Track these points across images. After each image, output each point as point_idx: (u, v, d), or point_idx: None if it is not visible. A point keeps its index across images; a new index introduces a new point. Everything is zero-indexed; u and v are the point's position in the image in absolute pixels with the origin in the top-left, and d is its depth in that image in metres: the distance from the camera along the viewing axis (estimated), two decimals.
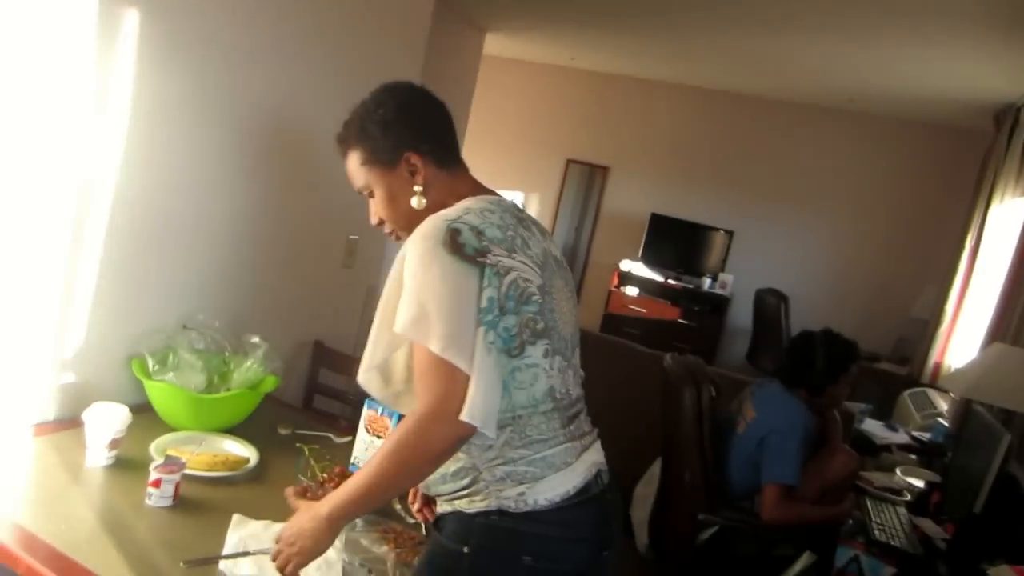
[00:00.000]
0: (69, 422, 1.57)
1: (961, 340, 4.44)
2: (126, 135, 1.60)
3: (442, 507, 1.15)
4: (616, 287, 6.15)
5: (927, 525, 2.30)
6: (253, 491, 1.49)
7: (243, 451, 1.60)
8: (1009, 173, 4.19)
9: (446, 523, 1.12)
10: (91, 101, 1.52)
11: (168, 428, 1.65)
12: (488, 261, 1.04)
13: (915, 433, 3.56)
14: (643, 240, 6.25)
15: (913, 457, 3.18)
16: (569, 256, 6.83)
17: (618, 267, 6.21)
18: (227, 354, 1.85)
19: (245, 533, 1.28)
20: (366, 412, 1.64)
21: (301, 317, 2.30)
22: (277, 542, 1.08)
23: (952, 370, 4.44)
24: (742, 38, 4.42)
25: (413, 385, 1.07)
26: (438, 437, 1.00)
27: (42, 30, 1.41)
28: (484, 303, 1.03)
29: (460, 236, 1.04)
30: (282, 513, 1.21)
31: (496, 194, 1.22)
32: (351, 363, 2.32)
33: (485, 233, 1.06)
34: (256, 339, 1.82)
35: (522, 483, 1.06)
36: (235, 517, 1.33)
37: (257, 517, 1.34)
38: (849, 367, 2.32)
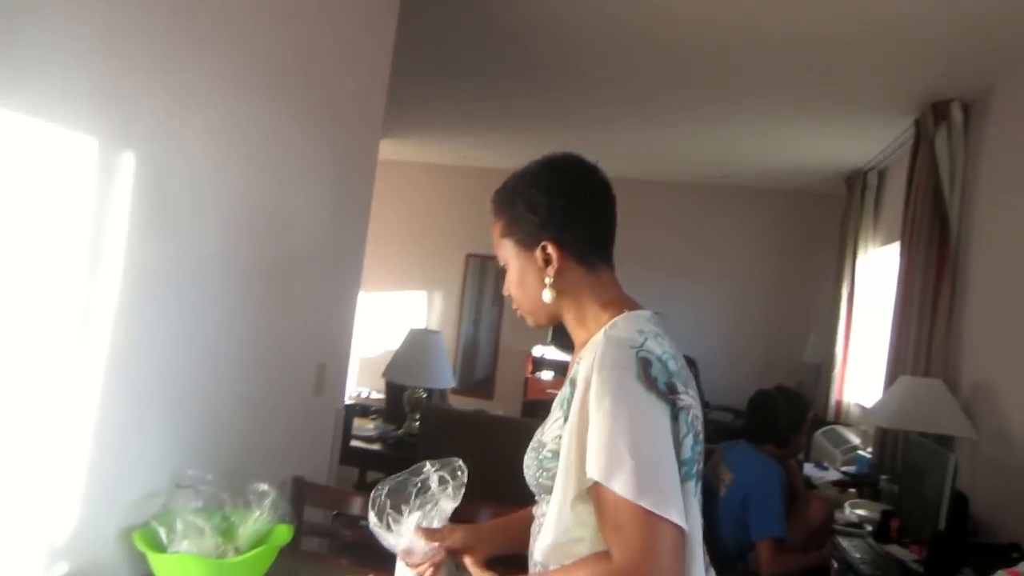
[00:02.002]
0: None
1: (855, 378, 4.89)
2: (119, 294, 1.53)
3: None
4: (531, 373, 6.25)
5: (895, 551, 2.49)
6: None
7: None
8: (866, 228, 4.78)
9: None
10: (84, 257, 1.45)
11: None
12: (680, 402, 0.97)
13: (843, 468, 3.84)
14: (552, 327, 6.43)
15: (852, 491, 3.42)
16: (473, 347, 6.90)
17: (531, 353, 6.33)
18: (227, 509, 1.73)
19: None
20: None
21: (277, 453, 2.19)
22: None
23: (852, 406, 4.87)
24: (627, 131, 4.83)
25: (593, 531, 0.98)
26: None
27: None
28: (687, 453, 0.97)
29: (651, 369, 0.96)
30: None
31: (642, 307, 1.11)
32: (336, 496, 2.23)
33: (668, 365, 0.98)
34: (264, 486, 1.71)
35: None
36: None
37: None
38: (806, 416, 2.52)
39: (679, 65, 3.48)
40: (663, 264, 6.33)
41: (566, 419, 1.02)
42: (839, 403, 4.94)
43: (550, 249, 1.10)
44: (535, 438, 1.12)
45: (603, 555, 0.95)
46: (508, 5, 2.94)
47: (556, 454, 1.03)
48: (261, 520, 1.68)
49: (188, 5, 1.61)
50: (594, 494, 0.95)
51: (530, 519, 1.19)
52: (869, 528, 2.73)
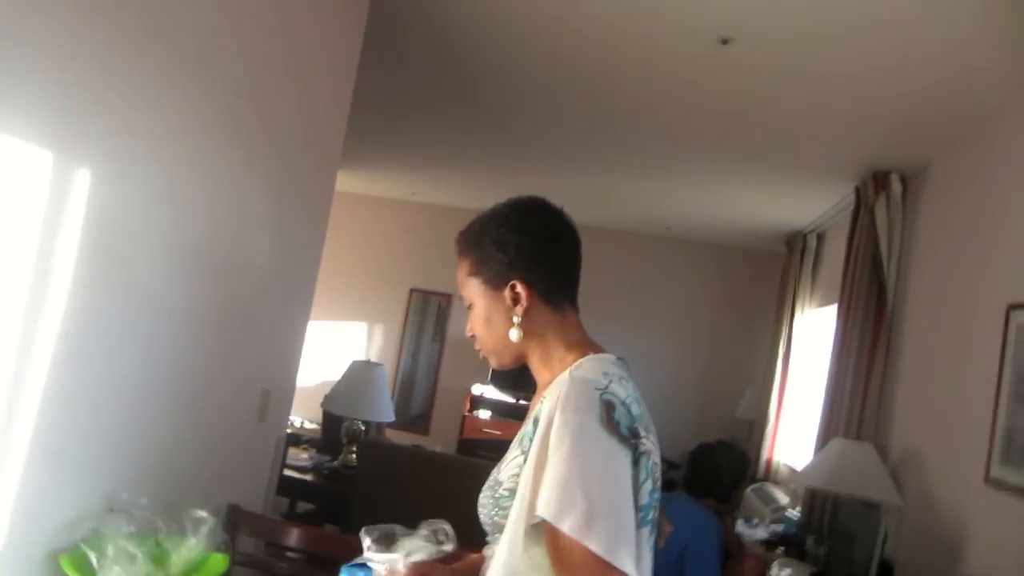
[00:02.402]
0: None
1: (787, 437, 5.02)
2: (60, 312, 1.45)
3: None
4: (469, 411, 6.19)
5: None
6: None
7: None
8: (804, 288, 4.97)
9: None
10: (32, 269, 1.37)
11: None
12: (641, 447, 0.97)
13: (772, 527, 3.91)
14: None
15: (780, 549, 3.48)
16: (411, 381, 6.81)
17: (470, 391, 6.29)
18: (160, 535, 1.63)
19: None
20: None
21: (215, 478, 2.09)
22: None
23: (782, 465, 4.99)
24: (574, 176, 4.92)
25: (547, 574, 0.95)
26: None
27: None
28: (644, 498, 0.96)
29: (615, 412, 0.95)
30: None
31: (606, 351, 1.13)
32: (271, 526, 2.14)
33: (631, 409, 0.98)
34: (203, 513, 1.63)
35: None
36: None
37: None
38: (747, 473, 2.57)
39: (629, 119, 3.59)
40: (604, 310, 6.37)
41: (526, 458, 1.01)
42: (769, 461, 5.05)
43: (519, 288, 1.10)
44: (492, 476, 1.10)
45: None
46: (462, 44, 2.97)
47: (513, 492, 1.02)
48: (196, 548, 1.60)
49: (144, 33, 1.56)
50: (548, 535, 0.93)
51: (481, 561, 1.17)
52: None
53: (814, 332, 4.85)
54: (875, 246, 3.48)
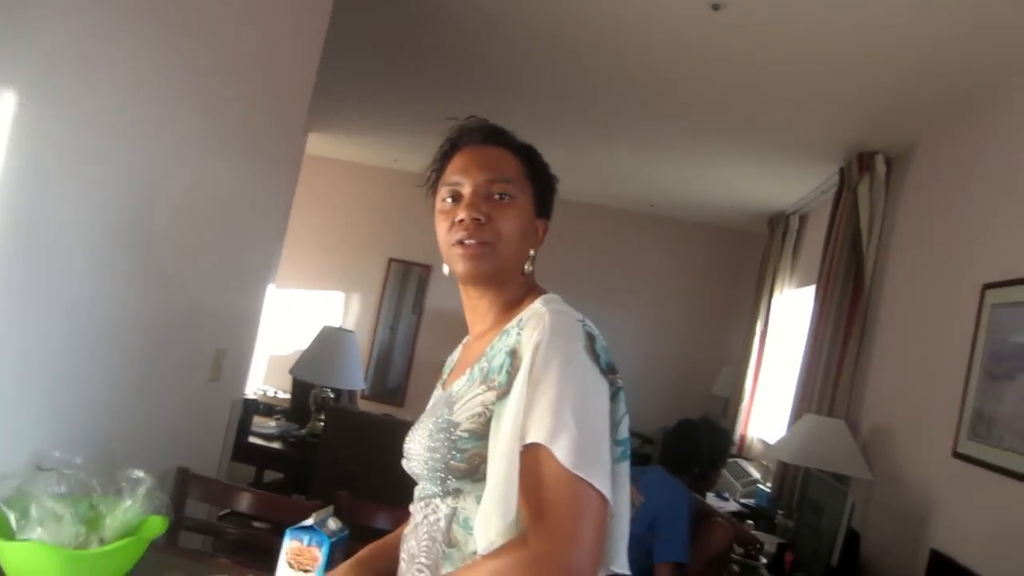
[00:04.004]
0: None
1: (761, 414, 5.02)
2: None
3: None
4: None
5: None
6: None
7: None
8: (784, 269, 4.94)
9: None
10: None
11: None
12: (617, 382, 0.96)
13: (742, 500, 3.91)
14: None
15: (750, 522, 3.47)
16: (387, 353, 6.74)
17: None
18: (94, 496, 1.55)
19: None
20: (288, 544, 1.46)
21: (162, 440, 2.02)
22: None
23: (756, 440, 4.99)
24: (557, 147, 4.77)
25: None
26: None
27: None
28: (623, 433, 0.96)
29: (596, 344, 0.95)
30: None
31: None
32: (223, 491, 2.07)
33: (605, 345, 0.98)
34: (140, 473, 1.54)
35: None
36: None
37: None
38: (727, 453, 2.51)
39: (617, 87, 3.50)
40: (584, 285, 6.34)
41: (498, 393, 0.95)
42: (743, 437, 5.06)
43: (542, 230, 1.13)
44: (439, 418, 1.01)
45: (518, 542, 0.86)
46: (446, 5, 2.87)
47: (473, 433, 0.96)
48: (132, 510, 1.52)
49: None
50: (531, 460, 0.87)
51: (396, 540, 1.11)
52: (764, 560, 2.77)
53: (792, 312, 4.84)
54: (856, 227, 3.45)
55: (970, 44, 2.37)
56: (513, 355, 0.95)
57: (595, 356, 0.94)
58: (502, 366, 0.96)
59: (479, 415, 0.96)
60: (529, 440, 0.87)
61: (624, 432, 0.97)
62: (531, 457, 0.87)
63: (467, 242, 1.03)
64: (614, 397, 0.96)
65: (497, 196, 1.06)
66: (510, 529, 0.87)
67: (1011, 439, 2.04)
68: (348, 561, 1.24)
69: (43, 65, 1.41)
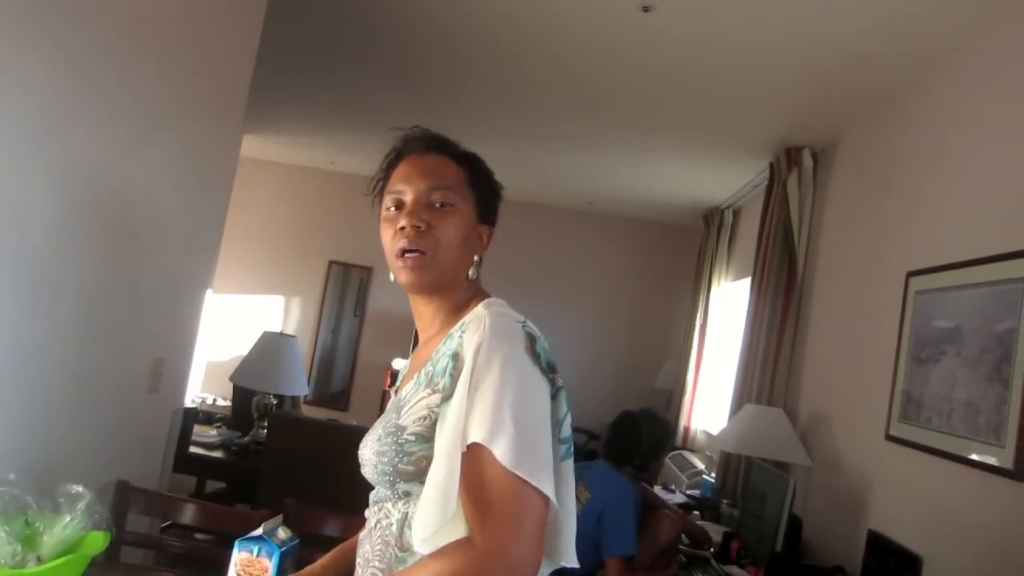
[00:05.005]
0: None
1: (703, 405, 5.15)
2: None
3: None
4: (389, 387, 6.07)
5: (735, 571, 2.59)
6: None
7: None
8: (720, 263, 5.08)
9: None
10: None
11: None
12: (558, 381, 0.99)
13: (688, 492, 4.00)
14: (412, 339, 6.31)
15: (696, 513, 3.56)
16: (330, 357, 6.64)
17: (390, 366, 6.17)
18: (30, 513, 1.48)
19: None
20: (237, 555, 1.42)
21: (100, 454, 1.94)
22: None
23: (699, 432, 5.12)
24: (495, 147, 4.84)
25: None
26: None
27: None
28: (566, 431, 0.98)
29: (536, 344, 0.98)
30: None
31: None
32: (165, 503, 2.00)
33: (546, 346, 1.00)
34: (78, 488, 1.48)
35: None
36: None
37: None
38: (668, 443, 2.57)
39: (553, 87, 3.53)
40: (526, 284, 6.39)
41: (442, 396, 0.97)
42: (687, 429, 5.17)
43: (486, 237, 1.15)
44: (385, 425, 1.03)
45: (464, 542, 0.89)
46: (378, 9, 2.85)
47: (419, 436, 0.98)
48: (71, 526, 1.46)
49: None
50: (473, 461, 0.89)
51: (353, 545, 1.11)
52: (712, 550, 2.84)
53: (729, 304, 4.97)
54: (787, 220, 3.57)
55: (887, 39, 2.46)
56: (455, 358, 0.98)
57: (536, 356, 0.96)
58: (445, 369, 0.98)
59: (424, 418, 0.98)
60: (470, 440, 0.89)
61: (567, 430, 0.99)
62: (472, 457, 0.89)
63: (408, 253, 1.05)
64: (555, 396, 0.98)
65: (438, 204, 1.08)
66: (448, 528, 0.90)
67: (938, 420, 2.15)
68: (306, 569, 1.23)
69: None
